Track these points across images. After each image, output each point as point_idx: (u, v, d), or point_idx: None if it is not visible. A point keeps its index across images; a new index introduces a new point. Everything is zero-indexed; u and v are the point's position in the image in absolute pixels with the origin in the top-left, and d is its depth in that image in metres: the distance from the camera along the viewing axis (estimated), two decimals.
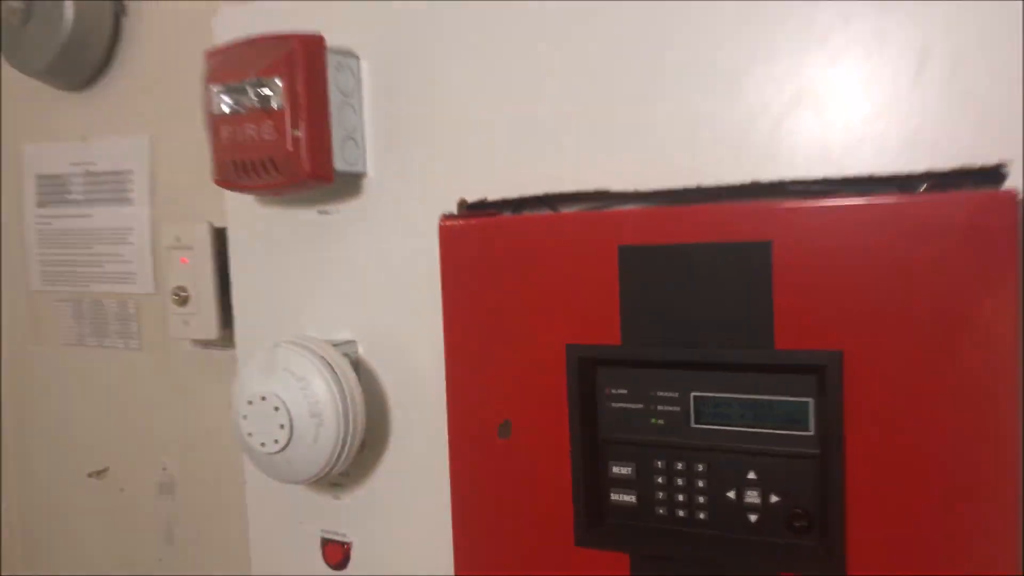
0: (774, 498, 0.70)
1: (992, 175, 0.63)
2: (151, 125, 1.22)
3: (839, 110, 0.68)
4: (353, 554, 0.93)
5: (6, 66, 1.26)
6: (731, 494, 0.71)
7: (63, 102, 1.30)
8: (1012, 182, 0.62)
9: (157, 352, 1.25)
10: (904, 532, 0.64)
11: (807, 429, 0.68)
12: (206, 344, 1.15)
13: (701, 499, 0.72)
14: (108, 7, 1.19)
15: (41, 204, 1.32)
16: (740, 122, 0.71)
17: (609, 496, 0.76)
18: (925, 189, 0.66)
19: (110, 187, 1.25)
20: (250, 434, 0.83)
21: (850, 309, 0.64)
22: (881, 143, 0.67)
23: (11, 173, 1.37)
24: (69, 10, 1.14)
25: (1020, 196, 0.60)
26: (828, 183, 0.68)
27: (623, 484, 0.75)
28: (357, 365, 0.89)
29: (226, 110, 0.82)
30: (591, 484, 0.75)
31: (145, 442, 1.29)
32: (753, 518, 0.71)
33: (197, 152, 1.14)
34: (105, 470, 1.32)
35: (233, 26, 0.92)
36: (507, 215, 0.81)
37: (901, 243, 0.63)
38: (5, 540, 1.46)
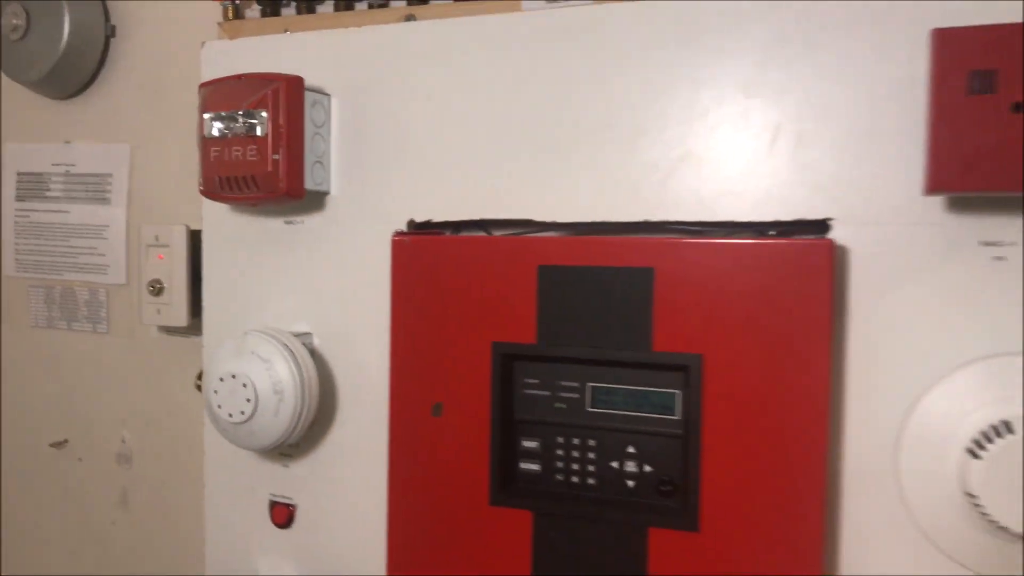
0: (647, 468, 0.84)
1: (821, 226, 0.80)
2: (132, 135, 1.29)
3: (712, 170, 0.83)
4: (297, 515, 1.03)
5: None
6: (615, 464, 0.85)
7: (49, 108, 1.35)
8: (835, 233, 0.79)
9: (124, 336, 1.31)
10: (744, 496, 0.79)
11: (675, 414, 0.83)
12: (172, 331, 1.23)
13: (591, 468, 0.86)
14: (100, 28, 1.27)
15: (20, 199, 1.37)
16: (637, 174, 0.85)
17: (518, 465, 0.89)
18: (772, 234, 0.81)
19: (89, 188, 1.31)
20: (219, 406, 0.94)
21: (710, 322, 0.79)
22: (742, 197, 0.82)
23: None
24: (65, 29, 1.22)
25: (835, 244, 0.77)
26: (701, 225, 0.83)
27: (530, 455, 0.88)
28: (312, 353, 0.98)
29: (216, 134, 0.93)
30: (504, 455, 0.87)
31: (107, 417, 1.34)
32: (631, 483, 0.85)
33: (173, 161, 1.25)
34: (65, 441, 1.37)
35: (218, 59, 1.03)
36: (448, 235, 0.93)
37: (751, 274, 0.78)
38: None
